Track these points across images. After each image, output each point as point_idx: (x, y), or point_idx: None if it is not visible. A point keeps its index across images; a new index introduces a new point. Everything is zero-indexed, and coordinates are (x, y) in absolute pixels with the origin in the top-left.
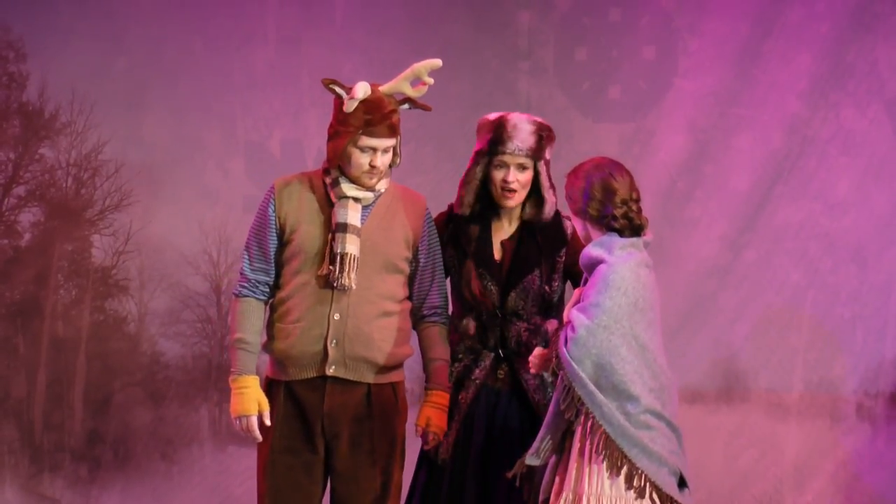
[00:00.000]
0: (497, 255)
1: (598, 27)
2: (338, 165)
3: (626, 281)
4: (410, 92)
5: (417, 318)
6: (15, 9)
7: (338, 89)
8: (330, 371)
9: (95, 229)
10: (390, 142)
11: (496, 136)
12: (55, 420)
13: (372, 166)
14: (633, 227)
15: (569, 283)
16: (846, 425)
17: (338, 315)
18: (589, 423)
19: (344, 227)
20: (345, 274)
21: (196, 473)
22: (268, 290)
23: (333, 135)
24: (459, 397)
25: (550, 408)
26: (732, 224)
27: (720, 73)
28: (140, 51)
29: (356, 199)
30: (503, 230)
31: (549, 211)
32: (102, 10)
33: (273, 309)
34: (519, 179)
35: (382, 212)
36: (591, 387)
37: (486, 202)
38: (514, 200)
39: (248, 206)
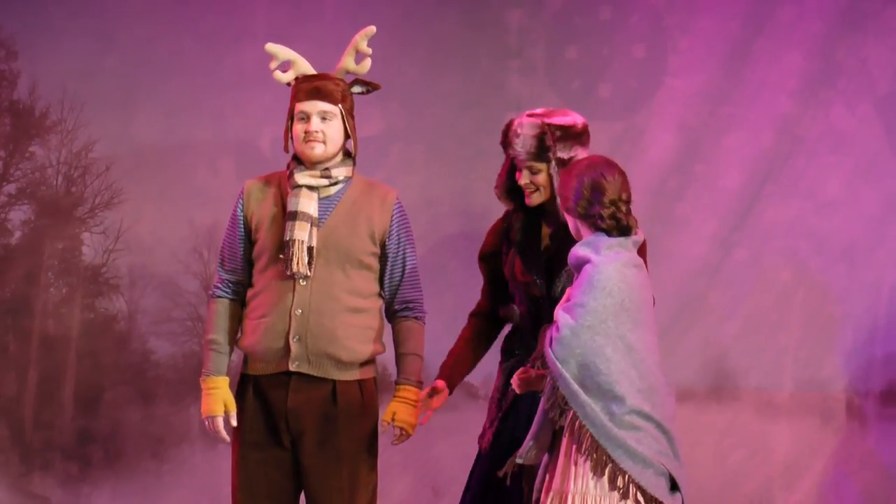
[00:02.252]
0: (543, 244)
1: (589, 26)
2: (297, 158)
3: (612, 281)
4: (356, 68)
5: (391, 314)
6: (6, 7)
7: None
8: (293, 367)
9: (86, 227)
10: (322, 105)
11: (504, 141)
12: (45, 418)
13: (306, 132)
14: (620, 228)
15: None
16: (836, 424)
17: (300, 310)
18: (576, 423)
19: (294, 215)
20: (294, 261)
21: (186, 472)
22: (241, 289)
23: (288, 119)
24: (508, 391)
25: (540, 407)
26: (722, 223)
27: (710, 72)
28: (131, 49)
29: (310, 188)
30: (551, 224)
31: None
32: (93, 8)
33: (246, 305)
34: (533, 181)
35: (348, 206)
36: (575, 387)
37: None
38: (534, 200)
39: None
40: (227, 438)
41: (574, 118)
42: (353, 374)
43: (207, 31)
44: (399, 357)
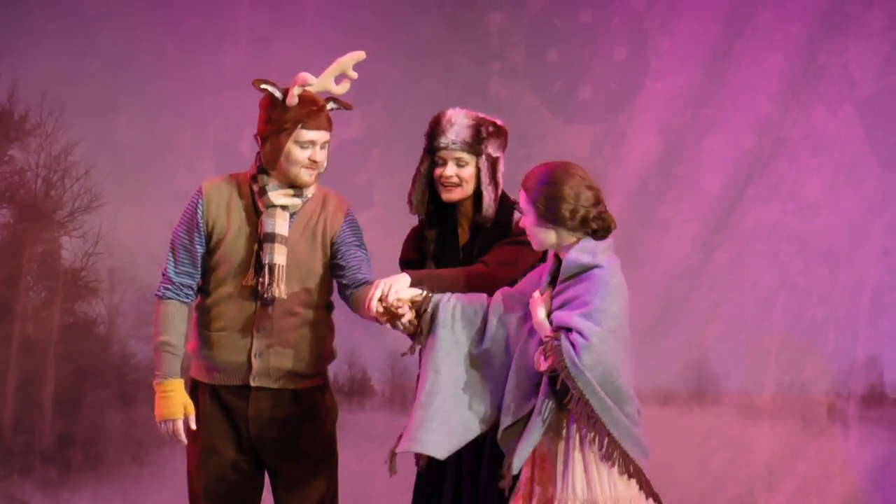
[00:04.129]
0: (459, 257)
1: (569, 28)
2: (265, 171)
3: (622, 285)
4: (335, 88)
5: (351, 291)
6: None
7: (270, 88)
8: (254, 382)
9: (65, 231)
10: (327, 135)
11: (432, 131)
12: (25, 422)
13: (312, 161)
14: (606, 229)
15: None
16: (818, 427)
17: (261, 328)
18: (592, 428)
19: (272, 238)
20: (274, 285)
21: (167, 476)
22: (192, 292)
23: (270, 135)
24: None
25: (533, 418)
26: (704, 225)
27: (691, 74)
28: (111, 52)
29: (283, 208)
30: (463, 233)
31: (486, 209)
32: (74, 11)
33: (199, 311)
34: (458, 174)
35: (305, 220)
36: (602, 393)
37: (445, 205)
38: (455, 195)
39: None
40: (185, 441)
41: (502, 122)
42: (314, 381)
43: (188, 34)
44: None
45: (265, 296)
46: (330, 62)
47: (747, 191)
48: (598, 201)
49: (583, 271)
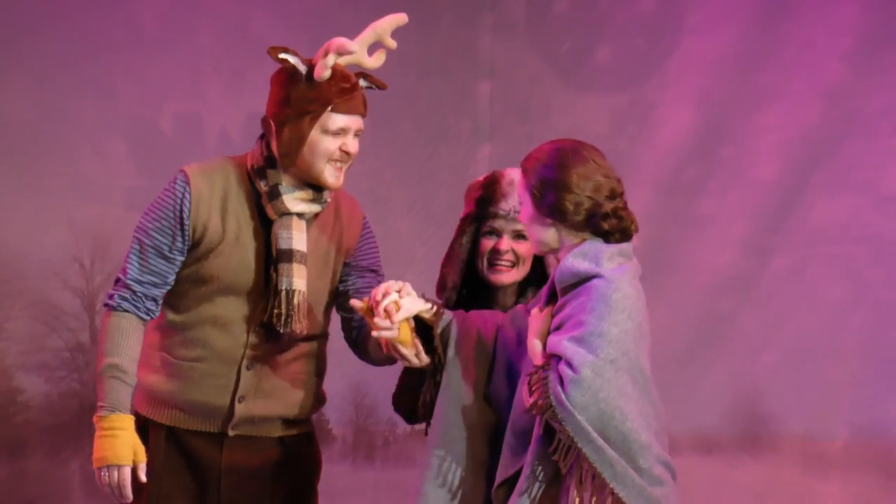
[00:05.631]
0: None
1: None
2: (274, 165)
3: (630, 300)
4: (368, 63)
5: (359, 332)
6: None
7: (292, 59)
8: (232, 432)
9: None
10: (362, 122)
11: (486, 195)
12: None
13: (344, 152)
14: (623, 230)
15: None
16: None
17: (251, 366)
18: (590, 483)
19: (289, 256)
20: (294, 318)
21: None
22: (155, 308)
23: (288, 119)
24: None
25: (528, 457)
26: (756, 224)
27: (740, 29)
28: None
29: (300, 216)
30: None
31: None
32: None
33: (162, 331)
34: (515, 250)
35: (318, 231)
36: (600, 441)
37: (476, 284)
38: (507, 277)
39: (132, 202)
40: (131, 497)
41: None
42: (301, 428)
43: None
44: None
45: (280, 330)
46: (273, 14)
47: (812, 179)
48: (613, 194)
49: (579, 282)
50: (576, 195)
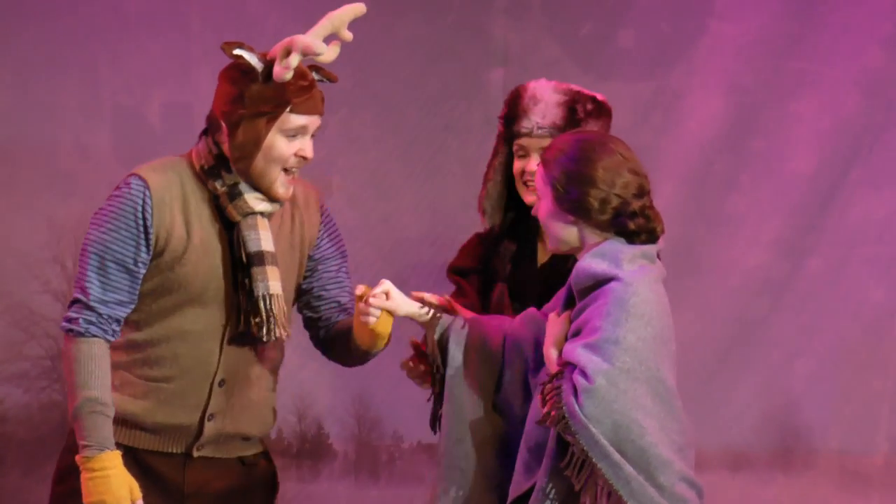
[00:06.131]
0: (538, 280)
1: None
2: (227, 167)
3: (650, 305)
4: (324, 54)
5: (326, 330)
6: None
7: (247, 55)
8: (197, 453)
9: None
10: (320, 121)
11: (510, 112)
12: None
13: (301, 157)
14: (650, 231)
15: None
16: None
17: (223, 380)
18: (605, 501)
19: (261, 258)
20: (277, 324)
21: None
22: (118, 328)
23: (242, 119)
24: None
25: (538, 486)
26: (791, 222)
27: (772, 12)
28: None
29: (262, 214)
30: (543, 248)
31: None
32: None
33: (123, 350)
34: None
35: (277, 226)
36: (616, 456)
37: (521, 207)
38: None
39: None
40: None
41: (603, 97)
42: (259, 447)
43: None
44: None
45: (264, 339)
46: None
47: (850, 173)
48: (642, 191)
49: (597, 284)
50: (602, 191)
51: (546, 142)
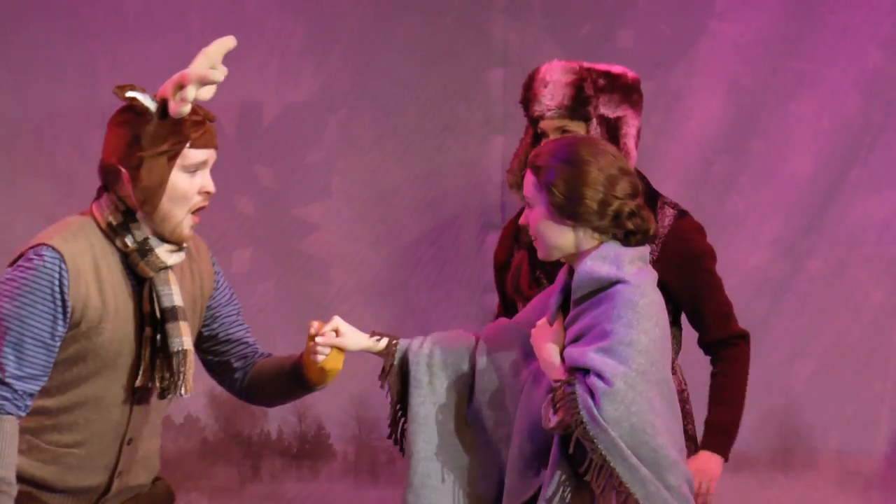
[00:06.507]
0: None
1: None
2: (133, 217)
3: (656, 306)
4: (203, 92)
5: (244, 371)
6: None
7: (141, 96)
8: None
9: None
10: (216, 155)
11: (525, 96)
12: None
13: (206, 193)
14: (645, 231)
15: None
16: None
17: (131, 438)
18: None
19: (174, 314)
20: (185, 379)
21: None
22: (31, 402)
23: (142, 162)
24: None
25: (545, 491)
26: (790, 223)
27: (772, 13)
28: None
29: (169, 268)
30: None
31: None
32: None
33: (28, 415)
34: None
35: (179, 280)
36: (633, 459)
37: None
38: None
39: None
40: None
41: (623, 69)
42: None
43: None
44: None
45: (166, 395)
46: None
47: (850, 174)
48: (635, 192)
49: (601, 289)
50: (598, 192)
51: (559, 123)
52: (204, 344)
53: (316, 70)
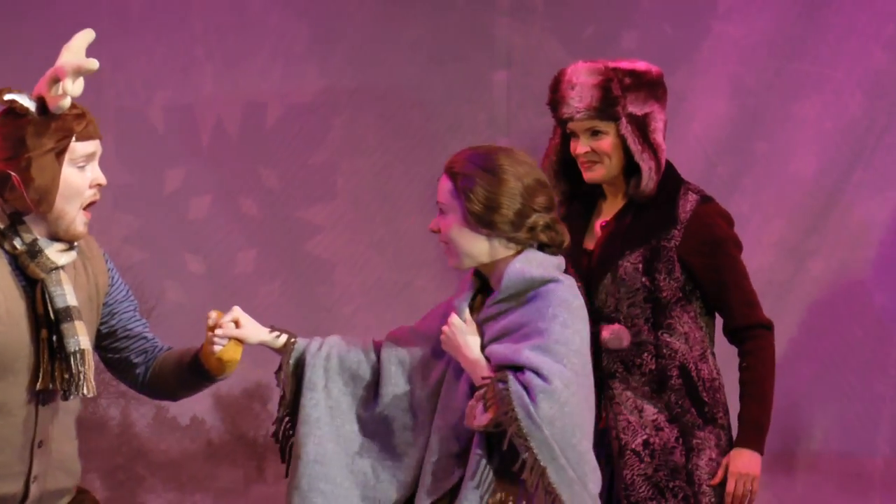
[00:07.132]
0: (589, 240)
1: None
2: (20, 219)
3: (584, 310)
4: (74, 87)
5: (146, 367)
6: None
7: (20, 98)
8: None
9: None
10: (101, 146)
11: (554, 98)
12: None
13: (98, 184)
14: (560, 244)
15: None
16: None
17: (43, 442)
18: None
19: (68, 314)
20: (83, 380)
21: None
22: None
23: (31, 163)
24: None
25: (464, 487)
26: (793, 224)
27: (775, 14)
28: None
29: (63, 268)
30: (608, 211)
31: (646, 182)
32: None
33: None
34: (595, 148)
35: (73, 279)
36: (563, 460)
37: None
38: (596, 173)
39: (120, 200)
40: None
41: (647, 65)
42: (72, 492)
43: None
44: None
45: (68, 396)
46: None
47: (853, 176)
48: (551, 205)
49: (530, 288)
50: (516, 202)
51: (588, 124)
52: (103, 342)
53: (320, 72)
